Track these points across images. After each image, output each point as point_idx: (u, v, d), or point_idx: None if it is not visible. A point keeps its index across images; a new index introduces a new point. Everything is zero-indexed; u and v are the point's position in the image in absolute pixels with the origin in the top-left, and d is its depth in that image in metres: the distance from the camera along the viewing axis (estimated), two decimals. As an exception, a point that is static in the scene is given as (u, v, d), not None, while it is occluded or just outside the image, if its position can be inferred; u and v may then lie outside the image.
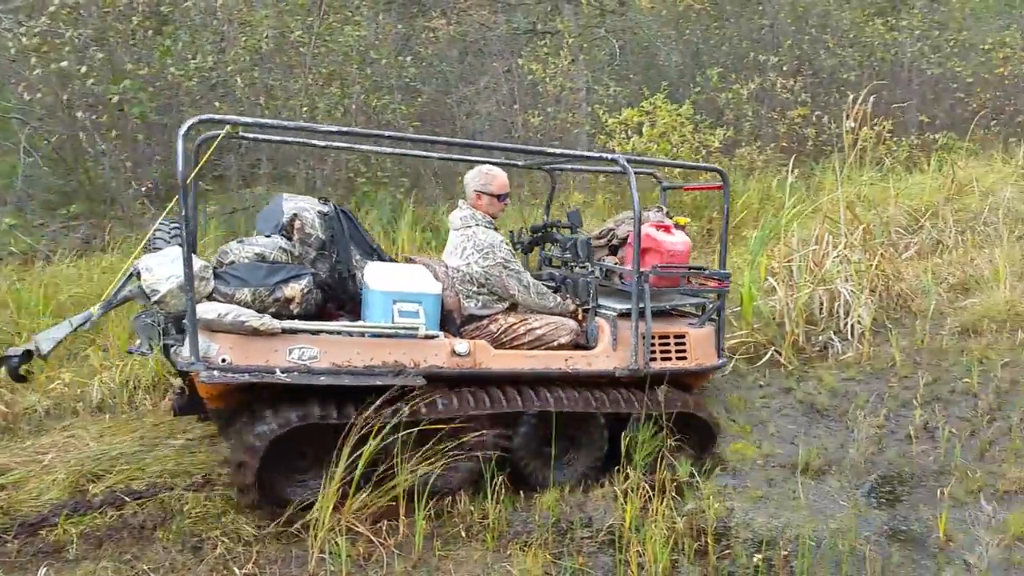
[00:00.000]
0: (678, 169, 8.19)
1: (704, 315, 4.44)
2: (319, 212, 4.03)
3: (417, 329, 3.66)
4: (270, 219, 3.91)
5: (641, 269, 4.08)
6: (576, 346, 4.14)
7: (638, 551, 3.35)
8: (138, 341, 3.76)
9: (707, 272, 4.47)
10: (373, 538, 3.49)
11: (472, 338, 3.96)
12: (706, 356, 4.36)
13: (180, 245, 3.54)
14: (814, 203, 8.22)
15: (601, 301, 4.28)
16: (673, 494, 3.73)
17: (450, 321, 3.99)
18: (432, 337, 3.73)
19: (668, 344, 4.23)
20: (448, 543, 3.56)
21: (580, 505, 3.93)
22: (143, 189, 8.03)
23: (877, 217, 7.49)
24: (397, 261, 4.37)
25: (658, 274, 4.21)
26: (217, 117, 3.51)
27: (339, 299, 4.02)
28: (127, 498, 3.73)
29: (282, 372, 3.40)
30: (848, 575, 3.23)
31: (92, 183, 8.53)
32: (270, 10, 8.38)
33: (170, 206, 4.59)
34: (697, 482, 3.85)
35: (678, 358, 4.25)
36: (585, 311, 4.27)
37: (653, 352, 4.14)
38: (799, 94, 10.79)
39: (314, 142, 5.51)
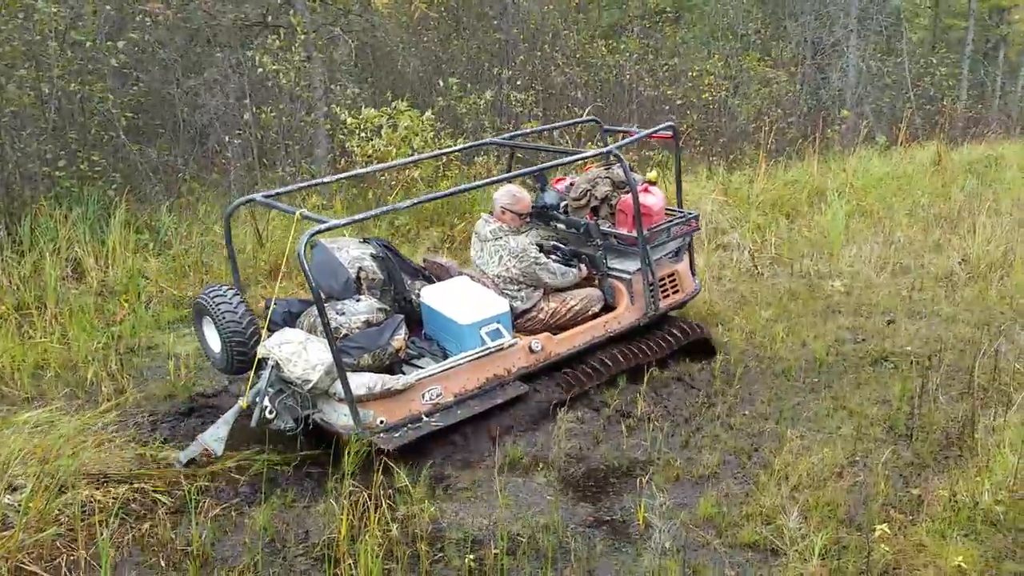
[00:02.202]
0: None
1: (680, 251, 5.35)
2: (371, 255, 4.63)
3: (506, 345, 4.39)
4: (338, 276, 4.28)
5: (635, 232, 4.89)
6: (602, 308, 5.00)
7: (350, 564, 3.20)
8: (270, 417, 3.97)
9: (686, 218, 5.27)
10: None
11: (527, 329, 4.73)
12: (690, 284, 5.37)
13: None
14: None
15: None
16: (389, 502, 3.62)
17: None
18: (513, 345, 4.43)
19: (665, 284, 5.14)
20: (142, 577, 3.18)
21: (299, 520, 3.72)
22: None
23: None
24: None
25: (655, 233, 5.01)
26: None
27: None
28: None
29: (427, 417, 4.10)
30: (555, 568, 3.31)
31: None
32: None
33: None
34: (408, 487, 3.78)
35: (673, 293, 5.21)
36: (598, 276, 5.08)
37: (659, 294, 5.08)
38: (531, 107, 11.26)
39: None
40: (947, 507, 3.59)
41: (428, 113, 8.88)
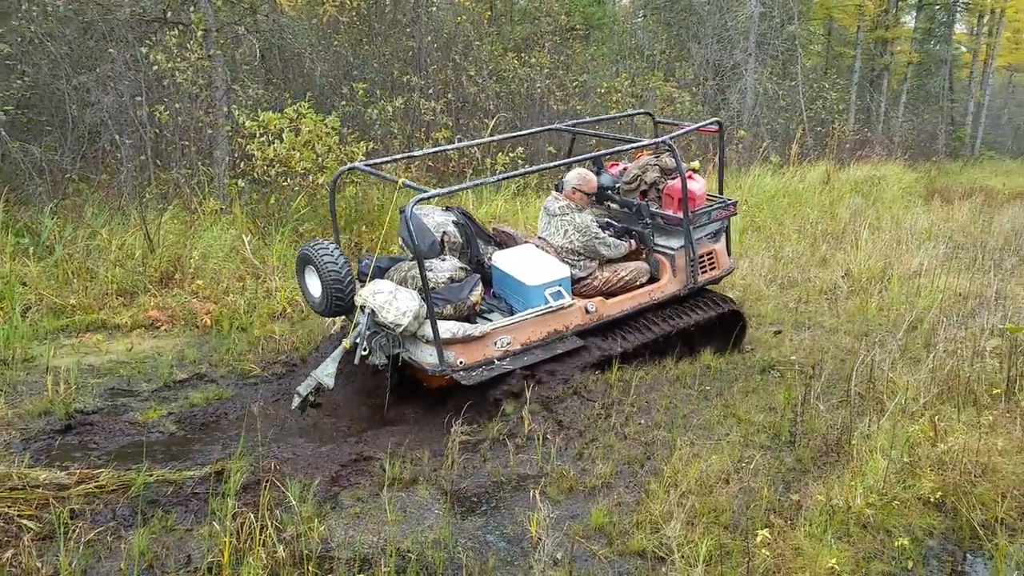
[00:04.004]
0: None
1: (718, 233, 5.88)
2: (453, 222, 5.36)
3: (566, 305, 5.03)
4: (425, 238, 4.67)
5: (679, 213, 5.48)
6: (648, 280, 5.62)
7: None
8: (365, 354, 4.65)
9: (726, 203, 5.84)
10: None
11: (582, 294, 5.33)
12: (725, 262, 5.95)
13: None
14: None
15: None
16: (276, 523, 3.51)
17: None
18: (572, 305, 5.06)
19: (703, 261, 5.74)
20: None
21: (180, 544, 3.55)
22: None
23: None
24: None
25: (697, 215, 5.60)
26: None
27: None
28: None
29: (499, 360, 4.75)
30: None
31: None
32: None
33: None
34: (293, 505, 3.68)
35: (711, 269, 5.81)
36: (646, 251, 5.68)
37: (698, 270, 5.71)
38: (442, 116, 11.24)
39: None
40: (823, 511, 3.74)
41: (332, 117, 8.72)
